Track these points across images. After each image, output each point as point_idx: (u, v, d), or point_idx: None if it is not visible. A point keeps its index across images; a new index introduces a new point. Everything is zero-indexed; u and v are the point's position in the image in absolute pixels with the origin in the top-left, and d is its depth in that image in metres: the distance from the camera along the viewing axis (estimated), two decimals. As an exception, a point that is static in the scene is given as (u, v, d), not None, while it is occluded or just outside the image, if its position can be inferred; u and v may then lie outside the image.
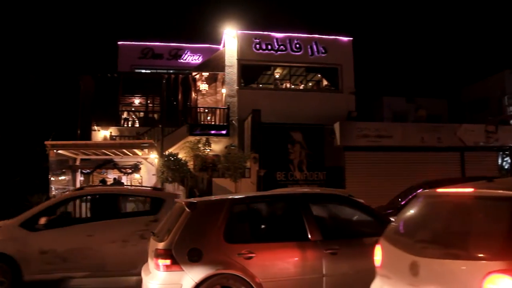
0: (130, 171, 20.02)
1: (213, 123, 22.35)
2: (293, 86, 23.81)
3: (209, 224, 5.65)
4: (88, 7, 49.59)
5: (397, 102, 24.68)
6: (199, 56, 26.57)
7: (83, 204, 8.56)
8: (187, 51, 26.70)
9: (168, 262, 5.33)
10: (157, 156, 18.72)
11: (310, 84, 24.58)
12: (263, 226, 6.26)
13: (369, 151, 18.46)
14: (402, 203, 10.32)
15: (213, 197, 7.05)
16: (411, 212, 4.55)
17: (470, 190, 3.81)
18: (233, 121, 21.52)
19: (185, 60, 26.59)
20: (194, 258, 5.37)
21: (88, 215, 8.37)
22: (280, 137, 18.51)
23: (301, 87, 24.13)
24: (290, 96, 22.32)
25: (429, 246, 3.76)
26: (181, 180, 18.50)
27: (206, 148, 20.53)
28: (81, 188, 8.63)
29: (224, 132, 21.39)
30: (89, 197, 8.64)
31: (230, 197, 6.36)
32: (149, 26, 46.64)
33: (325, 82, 23.91)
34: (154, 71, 25.10)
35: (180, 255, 5.35)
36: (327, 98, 22.25)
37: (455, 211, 3.91)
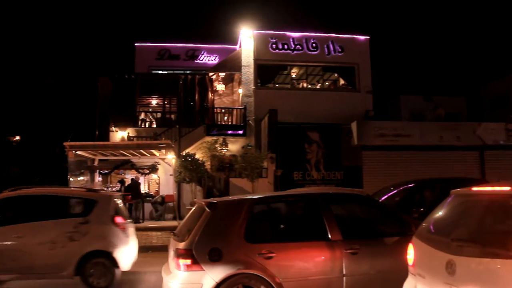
0: (148, 171, 20.13)
1: (230, 123, 22.41)
2: (309, 86, 23.74)
3: (230, 224, 5.67)
4: (106, 9, 50.00)
5: (415, 101, 24.41)
6: (216, 56, 26.62)
7: (16, 205, 8.42)
8: (204, 52, 26.77)
9: (188, 261, 5.37)
10: (174, 156, 18.82)
11: (327, 83, 24.49)
12: (283, 226, 6.27)
13: (386, 150, 18.39)
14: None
15: (233, 197, 7.06)
16: (443, 210, 4.52)
17: (507, 188, 3.76)
18: (250, 121, 21.53)
19: (202, 60, 26.65)
20: (214, 258, 5.39)
21: (19, 216, 8.24)
22: (297, 136, 18.51)
23: (318, 86, 24.06)
24: (307, 96, 22.26)
25: (466, 244, 3.71)
26: (198, 180, 18.58)
27: (223, 148, 20.58)
28: (14, 189, 8.55)
29: (241, 132, 21.41)
30: (22, 198, 8.51)
31: (250, 197, 6.37)
32: (166, 27, 46.84)
33: (342, 81, 23.81)
34: (171, 72, 25.19)
35: (201, 255, 5.38)
36: (344, 98, 22.15)
37: (491, 210, 3.86)
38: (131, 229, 9.09)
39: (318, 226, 5.81)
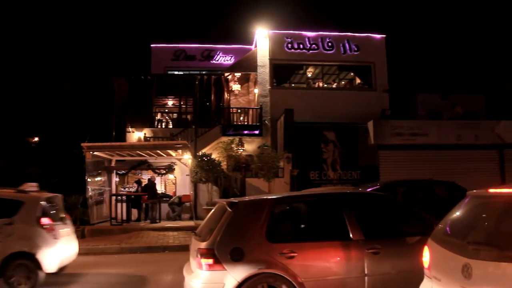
0: (164, 171, 20.22)
1: (246, 123, 22.43)
2: (325, 85, 23.65)
3: (251, 223, 5.68)
4: (122, 11, 50.39)
5: (432, 100, 24.17)
6: (231, 56, 26.66)
7: None
8: (219, 52, 26.82)
9: (210, 261, 5.39)
10: (190, 156, 18.87)
11: (343, 82, 24.38)
12: (304, 226, 6.25)
13: (403, 149, 18.24)
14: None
15: (254, 197, 7.08)
16: (459, 212, 4.46)
17: None
18: (266, 121, 21.52)
19: (217, 61, 26.71)
20: (236, 257, 5.40)
21: None
22: (313, 136, 18.45)
23: (334, 85, 23.95)
24: (323, 95, 22.19)
25: (482, 248, 3.64)
26: (214, 180, 18.63)
27: (239, 148, 20.62)
28: None
29: (257, 132, 21.41)
30: None
31: (272, 196, 6.37)
32: (181, 28, 47.09)
33: (358, 80, 23.70)
34: (187, 72, 25.28)
35: (223, 254, 5.39)
36: (360, 97, 22.04)
37: (509, 212, 3.79)
38: (63, 230, 8.97)
39: (340, 226, 5.81)
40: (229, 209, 5.72)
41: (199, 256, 5.50)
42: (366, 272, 5.59)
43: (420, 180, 12.88)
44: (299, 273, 5.45)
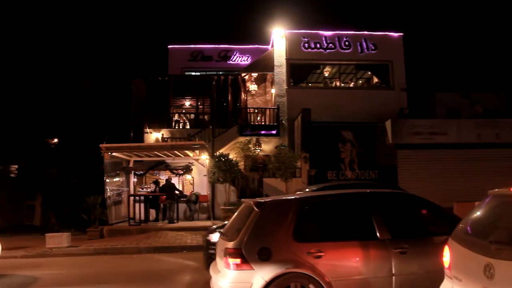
0: (182, 172, 20.33)
1: (263, 123, 22.42)
2: (342, 84, 23.52)
3: (278, 223, 5.69)
4: (139, 14, 50.80)
5: (451, 98, 23.82)
6: (248, 57, 26.65)
7: None
8: (236, 52, 26.83)
9: (238, 261, 5.41)
10: (208, 157, 18.95)
11: (360, 81, 24.21)
12: (331, 225, 6.20)
13: (422, 148, 18.10)
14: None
15: (281, 197, 7.09)
16: (480, 211, 4.39)
17: None
18: (283, 121, 21.49)
19: (234, 61, 26.72)
20: (264, 257, 5.41)
21: None
22: (331, 136, 18.39)
23: (351, 85, 23.82)
24: (340, 95, 22.06)
25: (505, 247, 3.56)
26: (232, 180, 18.67)
27: (257, 148, 20.63)
28: None
29: (274, 132, 21.39)
30: None
31: (299, 196, 6.39)
32: (198, 29, 47.23)
33: (375, 79, 23.52)
34: (204, 73, 25.36)
35: (250, 254, 5.41)
36: (378, 96, 21.86)
37: None
38: None
39: (367, 225, 5.80)
40: (256, 209, 5.75)
41: (226, 255, 5.52)
42: (393, 271, 5.57)
43: (360, 183, 12.72)
44: (326, 272, 5.45)
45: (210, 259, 8.42)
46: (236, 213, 6.65)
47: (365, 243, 5.68)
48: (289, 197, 6.35)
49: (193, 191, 20.02)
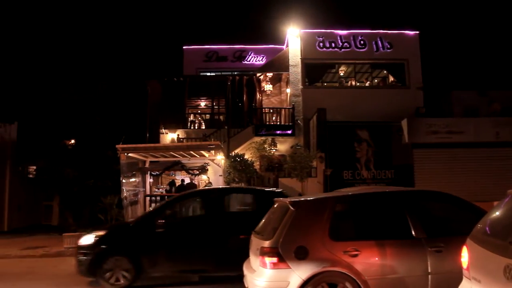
0: (198, 172, 20.38)
1: (278, 123, 22.39)
2: (358, 84, 23.40)
3: (314, 222, 5.74)
4: (154, 15, 51.09)
5: (468, 96, 23.57)
6: (263, 57, 26.66)
7: None
8: (251, 53, 26.86)
9: (275, 260, 5.47)
10: (223, 157, 18.97)
11: (376, 80, 24.07)
12: (366, 224, 6.21)
13: (439, 148, 17.88)
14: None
15: (316, 196, 7.14)
16: (500, 211, 4.34)
17: None
18: (299, 121, 21.45)
19: (249, 61, 26.74)
20: (300, 255, 5.47)
21: None
22: (346, 135, 18.28)
23: (367, 84, 23.70)
24: (356, 94, 21.97)
25: None
26: (247, 180, 18.67)
27: (272, 148, 20.63)
28: None
29: (289, 132, 21.35)
30: None
31: (334, 195, 6.47)
32: (213, 30, 47.42)
33: (391, 78, 23.35)
34: (219, 73, 25.42)
35: (287, 253, 5.48)
36: (394, 95, 21.70)
37: None
38: None
39: (402, 224, 5.82)
40: (291, 208, 5.79)
41: (263, 254, 5.58)
42: (429, 270, 5.58)
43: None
44: (362, 271, 5.49)
45: (79, 262, 8.63)
46: (269, 212, 6.71)
47: (400, 242, 5.72)
48: (325, 196, 6.42)
49: (208, 181, 20.01)
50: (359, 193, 6.84)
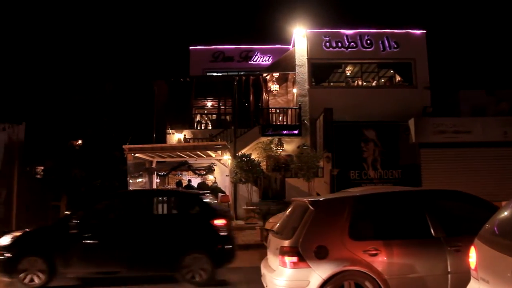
0: (204, 172, 20.43)
1: (285, 123, 22.37)
2: (365, 83, 23.35)
3: (334, 221, 5.74)
4: (161, 15, 51.21)
5: (475, 95, 23.44)
6: (269, 57, 26.67)
7: None
8: (257, 53, 26.88)
9: (295, 259, 5.47)
10: (230, 157, 19.01)
11: (383, 80, 24.00)
12: (386, 223, 6.20)
13: (446, 147, 17.81)
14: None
15: (335, 195, 7.14)
16: (508, 211, 4.30)
17: None
18: (305, 121, 21.43)
19: (256, 61, 26.77)
20: (320, 255, 5.47)
21: None
22: (353, 135, 18.24)
23: (373, 83, 23.63)
24: (362, 94, 21.93)
25: None
26: (254, 180, 18.70)
27: (279, 148, 20.62)
28: None
29: (296, 132, 21.34)
30: None
31: (353, 194, 6.45)
32: (219, 30, 47.47)
33: (398, 78, 23.27)
34: (225, 73, 25.45)
35: (307, 252, 5.48)
36: (401, 94, 21.63)
37: None
38: None
39: (421, 224, 5.81)
40: (311, 207, 5.79)
41: (283, 254, 5.58)
42: (449, 269, 5.56)
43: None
44: (382, 270, 5.49)
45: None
46: (288, 211, 6.71)
47: (420, 241, 5.71)
48: (344, 196, 6.40)
49: (214, 181, 20.04)
50: (378, 192, 6.82)
